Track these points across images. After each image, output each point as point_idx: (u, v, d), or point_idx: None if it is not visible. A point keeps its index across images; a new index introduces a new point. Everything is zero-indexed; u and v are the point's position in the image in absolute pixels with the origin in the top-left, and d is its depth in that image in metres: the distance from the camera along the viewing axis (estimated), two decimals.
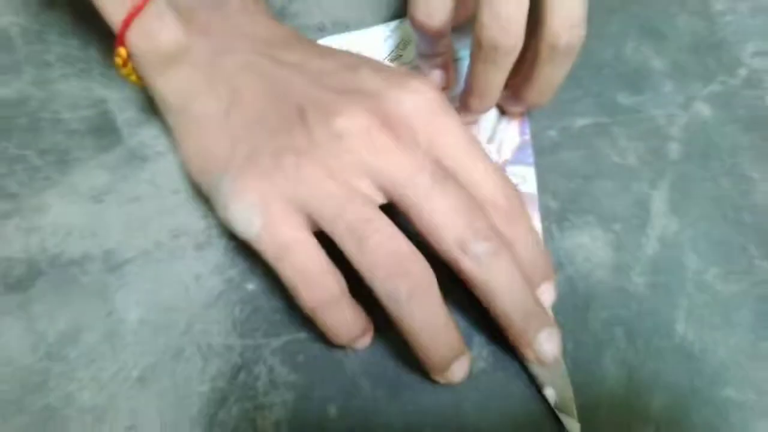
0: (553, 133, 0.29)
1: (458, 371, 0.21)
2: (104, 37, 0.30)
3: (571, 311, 0.24)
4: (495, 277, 0.20)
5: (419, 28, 0.24)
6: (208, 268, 0.24)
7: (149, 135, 0.27)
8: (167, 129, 0.25)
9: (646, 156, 0.29)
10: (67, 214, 0.25)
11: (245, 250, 0.25)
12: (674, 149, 0.29)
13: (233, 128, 0.22)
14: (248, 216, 0.20)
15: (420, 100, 0.21)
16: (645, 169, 0.28)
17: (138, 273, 0.24)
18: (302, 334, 0.23)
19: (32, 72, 0.28)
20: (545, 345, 0.21)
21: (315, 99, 0.21)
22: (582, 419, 0.22)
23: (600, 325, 0.24)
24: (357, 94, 0.21)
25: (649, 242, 0.26)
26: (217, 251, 0.24)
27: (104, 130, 0.27)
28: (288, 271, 0.20)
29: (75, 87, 0.28)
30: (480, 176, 0.22)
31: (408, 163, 0.20)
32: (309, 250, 0.20)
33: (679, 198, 0.28)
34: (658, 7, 0.35)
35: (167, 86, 0.23)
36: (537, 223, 0.26)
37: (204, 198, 0.24)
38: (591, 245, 0.26)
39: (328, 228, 0.20)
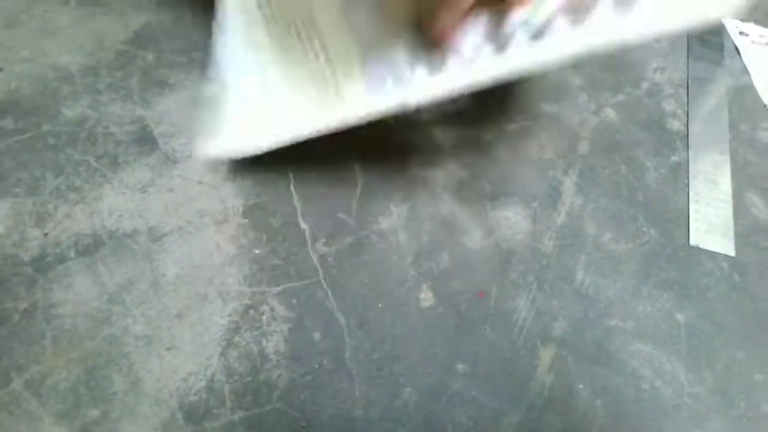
0: (489, 136, 0.38)
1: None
2: (142, 71, 0.39)
3: (497, 266, 0.32)
4: None
5: None
6: (225, 239, 0.32)
7: (178, 143, 0.36)
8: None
9: (561, 150, 0.37)
10: (120, 201, 0.33)
11: (252, 225, 0.33)
12: (584, 145, 0.37)
13: None
14: None
15: None
16: (559, 161, 0.37)
17: (174, 242, 0.32)
18: (295, 283, 0.31)
19: (88, 98, 0.37)
20: None
21: None
22: (496, 340, 0.30)
23: (517, 275, 0.32)
24: None
25: (559, 216, 0.35)
26: (231, 226, 0.33)
27: (144, 140, 0.36)
28: None
29: (120, 108, 0.37)
30: None
31: None
32: None
33: (585, 182, 0.36)
34: None
35: None
36: None
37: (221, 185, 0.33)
38: (514, 218, 0.34)
39: None
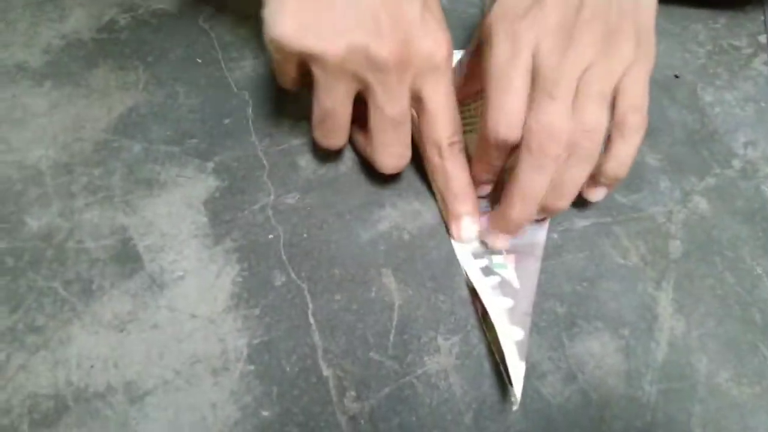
0: (555, 235, 0.30)
1: (467, 227, 0.29)
2: (126, 166, 0.32)
3: (588, 424, 0.24)
4: (452, 166, 0.29)
5: (502, 142, 0.27)
6: (224, 396, 0.25)
7: (168, 260, 0.28)
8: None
9: (648, 255, 0.29)
10: (91, 344, 0.26)
11: (259, 374, 0.25)
12: (676, 247, 0.30)
13: None
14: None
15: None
16: (648, 269, 0.29)
17: (158, 404, 0.24)
18: None
19: (59, 203, 0.30)
20: (468, 226, 0.29)
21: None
22: None
23: None
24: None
25: (659, 347, 0.27)
26: (232, 377, 0.25)
27: (126, 258, 0.29)
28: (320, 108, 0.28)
29: (98, 216, 0.30)
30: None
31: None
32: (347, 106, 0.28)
33: (684, 297, 0.28)
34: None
35: None
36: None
37: (219, 319, 0.25)
38: (600, 353, 0.26)
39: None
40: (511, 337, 0.26)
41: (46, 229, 0.30)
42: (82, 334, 0.26)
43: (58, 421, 0.24)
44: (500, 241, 0.29)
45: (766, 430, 0.24)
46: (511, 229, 0.28)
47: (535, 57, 0.26)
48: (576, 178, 0.26)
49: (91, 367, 0.25)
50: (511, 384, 0.24)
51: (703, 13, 0.43)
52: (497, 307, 0.26)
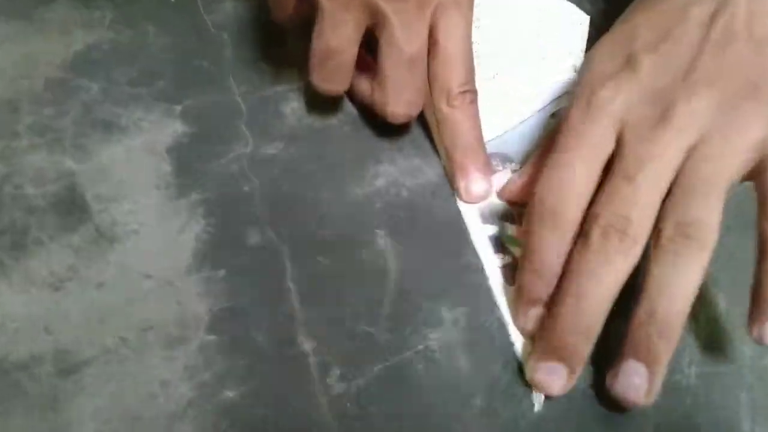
0: None
1: (477, 182, 0.25)
2: (82, 106, 0.27)
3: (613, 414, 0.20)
4: (463, 116, 0.25)
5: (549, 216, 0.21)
6: (177, 371, 0.20)
7: (121, 212, 0.24)
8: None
9: None
10: (18, 305, 0.21)
11: (223, 346, 0.21)
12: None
13: None
14: None
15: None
16: None
17: (96, 378, 0.20)
18: None
19: None
20: (477, 183, 0.25)
21: None
22: None
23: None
24: None
25: (698, 324, 0.22)
26: (189, 348, 0.21)
27: (71, 208, 0.24)
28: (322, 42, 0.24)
29: (43, 159, 0.25)
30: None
31: None
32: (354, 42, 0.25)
33: (722, 272, 0.24)
34: None
35: None
36: None
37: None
38: None
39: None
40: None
41: None
42: (8, 294, 0.22)
43: None
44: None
45: None
46: (562, 355, 0.20)
47: (620, 132, 0.21)
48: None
49: (15, 331, 0.21)
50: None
51: None
52: (507, 297, 0.22)
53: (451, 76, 0.25)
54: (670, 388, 0.21)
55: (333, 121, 0.28)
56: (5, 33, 0.30)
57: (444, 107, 0.25)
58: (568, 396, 0.20)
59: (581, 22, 0.31)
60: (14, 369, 0.20)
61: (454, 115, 0.25)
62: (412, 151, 0.27)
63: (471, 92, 0.25)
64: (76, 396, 0.20)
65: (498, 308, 0.22)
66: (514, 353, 0.21)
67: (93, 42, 0.30)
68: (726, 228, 0.25)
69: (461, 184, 0.25)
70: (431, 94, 0.25)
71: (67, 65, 0.29)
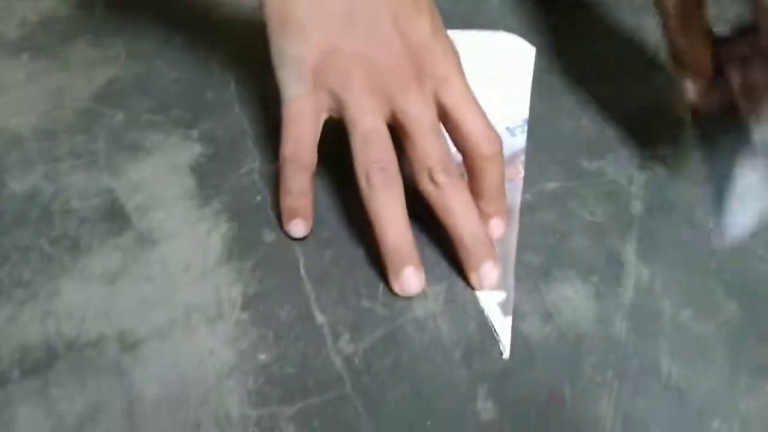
0: (528, 196, 0.32)
1: (410, 279, 0.26)
2: (110, 133, 0.32)
3: (566, 359, 0.26)
4: (453, 204, 0.26)
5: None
6: (220, 342, 0.25)
7: (157, 219, 0.29)
8: None
9: (613, 213, 0.32)
10: (81, 297, 0.26)
11: (255, 321, 0.26)
12: (637, 206, 0.32)
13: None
14: (292, 81, 0.27)
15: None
16: (613, 225, 0.31)
17: (153, 351, 0.25)
18: (315, 399, 0.24)
19: (43, 167, 0.30)
20: (488, 275, 0.27)
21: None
22: None
23: (592, 370, 0.26)
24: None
25: (626, 291, 0.29)
26: (228, 324, 0.26)
27: (114, 217, 0.29)
28: (288, 128, 0.27)
29: (83, 178, 0.30)
30: (474, 123, 0.27)
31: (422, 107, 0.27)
32: (312, 126, 0.27)
33: (647, 248, 0.30)
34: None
35: None
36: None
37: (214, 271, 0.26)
38: (575, 297, 0.28)
39: (350, 121, 0.27)
40: (492, 299, 0.28)
41: (31, 191, 0.29)
42: (71, 288, 0.26)
43: (49, 370, 0.24)
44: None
45: (723, 357, 0.27)
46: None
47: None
48: None
49: (81, 318, 0.25)
50: (500, 339, 0.26)
51: None
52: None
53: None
54: (606, 339, 0.27)
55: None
56: (34, 70, 0.35)
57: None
58: (528, 344, 0.26)
59: (528, 53, 0.37)
60: (85, 347, 0.25)
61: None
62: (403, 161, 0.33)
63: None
64: (138, 366, 0.24)
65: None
66: (485, 317, 0.27)
67: (112, 76, 0.35)
68: (647, 211, 0.31)
69: (473, 277, 0.28)
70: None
71: (92, 97, 0.34)
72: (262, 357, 0.25)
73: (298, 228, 0.28)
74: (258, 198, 0.30)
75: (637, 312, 0.28)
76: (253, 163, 0.32)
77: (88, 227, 0.28)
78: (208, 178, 0.31)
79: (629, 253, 0.30)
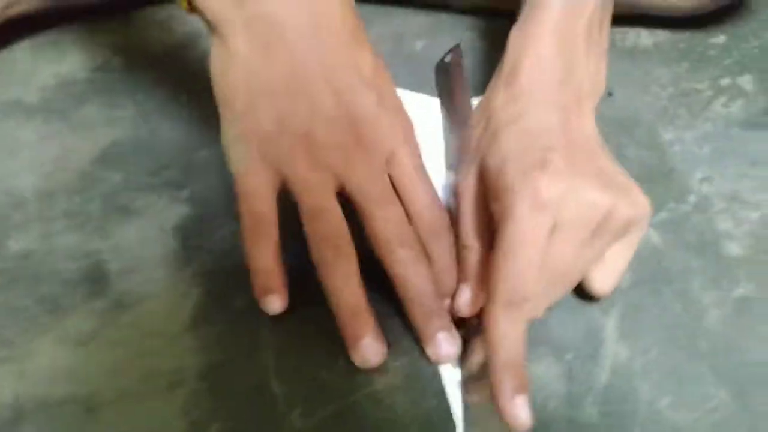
0: None
1: (369, 350, 0.26)
2: (105, 195, 0.34)
3: None
4: (410, 277, 0.26)
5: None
6: (175, 410, 0.26)
7: (135, 282, 0.30)
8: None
9: None
10: (57, 358, 0.27)
11: (211, 390, 0.26)
12: (625, 277, 0.31)
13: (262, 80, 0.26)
14: (239, 160, 0.27)
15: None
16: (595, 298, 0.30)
17: (113, 414, 0.26)
18: None
19: (39, 228, 0.32)
20: (443, 344, 0.26)
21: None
22: None
23: None
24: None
25: (602, 371, 0.27)
26: (184, 393, 0.26)
27: (96, 279, 0.30)
28: (243, 207, 0.27)
29: (73, 240, 0.32)
30: (417, 197, 0.28)
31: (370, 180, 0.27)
32: (267, 200, 0.27)
33: (630, 325, 0.29)
34: (607, 139, 0.38)
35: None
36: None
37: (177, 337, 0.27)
38: (545, 376, 0.27)
39: (297, 198, 0.27)
40: (454, 377, 0.27)
41: (25, 252, 0.31)
42: (47, 349, 0.28)
43: (16, 428, 0.25)
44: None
45: None
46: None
47: None
48: None
49: (53, 378, 0.27)
50: (456, 420, 0.26)
51: (666, 57, 0.45)
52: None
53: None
54: (573, 423, 0.25)
55: None
56: (46, 132, 0.38)
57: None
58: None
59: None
60: (52, 406, 0.26)
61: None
62: None
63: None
64: (99, 428, 0.25)
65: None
66: (444, 394, 0.27)
67: (116, 138, 0.37)
68: (635, 283, 0.30)
69: (429, 349, 0.27)
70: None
71: (94, 159, 0.36)
72: (214, 427, 0.25)
73: (273, 305, 0.27)
74: (236, 260, 0.31)
75: (611, 395, 0.26)
76: (233, 224, 0.32)
77: (71, 289, 0.30)
78: (190, 239, 0.32)
79: (610, 329, 0.29)
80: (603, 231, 0.25)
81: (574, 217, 0.24)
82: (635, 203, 0.26)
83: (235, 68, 0.26)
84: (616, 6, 0.36)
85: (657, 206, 0.34)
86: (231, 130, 0.27)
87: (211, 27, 0.26)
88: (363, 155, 0.26)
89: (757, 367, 0.28)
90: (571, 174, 0.24)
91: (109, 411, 0.26)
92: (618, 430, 0.25)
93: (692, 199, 0.35)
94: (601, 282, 0.28)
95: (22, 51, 0.43)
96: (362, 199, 0.27)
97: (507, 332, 0.23)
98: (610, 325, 0.29)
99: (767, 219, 0.34)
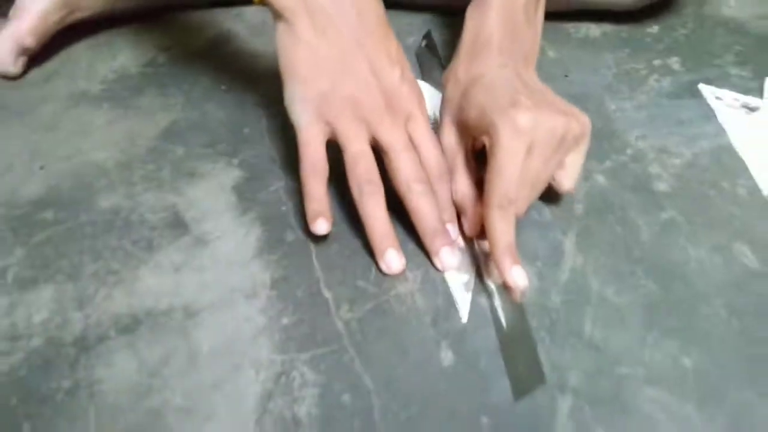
0: None
1: (393, 259, 0.35)
2: (172, 163, 0.42)
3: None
4: (422, 206, 0.36)
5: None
6: (255, 311, 0.35)
7: (208, 226, 0.39)
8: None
9: (557, 213, 0.40)
10: (155, 281, 0.36)
11: (280, 297, 0.35)
12: (579, 208, 0.41)
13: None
14: (301, 115, 0.36)
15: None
16: (557, 222, 0.40)
17: (208, 318, 0.34)
18: (322, 350, 0.33)
19: (123, 189, 0.41)
20: (446, 256, 0.36)
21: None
22: (516, 390, 0.31)
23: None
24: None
25: (563, 273, 0.37)
26: (260, 300, 0.35)
27: (177, 225, 0.39)
28: (303, 150, 0.36)
29: (153, 197, 0.40)
30: (427, 148, 0.38)
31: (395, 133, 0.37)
32: (320, 147, 0.36)
33: (584, 241, 0.39)
34: None
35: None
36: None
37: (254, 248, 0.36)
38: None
39: (342, 145, 0.36)
40: (458, 280, 0.36)
41: (115, 208, 0.40)
42: (148, 275, 0.36)
43: (135, 330, 0.34)
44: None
45: (637, 323, 0.34)
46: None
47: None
48: None
49: (156, 295, 0.35)
50: (459, 308, 0.35)
51: (611, 44, 0.55)
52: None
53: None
54: (543, 307, 0.35)
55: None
56: (113, 116, 0.46)
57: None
58: (482, 311, 0.35)
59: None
60: (160, 315, 0.34)
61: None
62: None
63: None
64: (197, 328, 0.34)
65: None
66: (449, 293, 0.36)
67: (173, 119, 0.46)
68: (586, 212, 0.40)
69: (436, 261, 0.37)
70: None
71: (158, 136, 0.45)
72: (285, 321, 0.34)
73: (322, 226, 0.36)
74: (283, 208, 0.40)
75: (569, 288, 0.36)
76: (279, 182, 0.42)
77: (158, 232, 0.38)
78: (245, 194, 0.41)
79: (568, 244, 0.39)
80: (563, 145, 0.35)
81: (543, 138, 0.34)
82: (582, 122, 0.36)
83: (301, 46, 0.35)
84: (571, 3, 0.46)
85: (603, 157, 0.44)
86: (296, 93, 0.36)
87: (278, 15, 0.35)
88: (390, 115, 0.36)
89: (675, 266, 0.38)
90: (535, 108, 0.34)
91: (204, 316, 0.34)
92: (575, 311, 0.35)
93: (630, 151, 0.45)
94: (567, 181, 0.38)
95: (81, 51, 0.51)
96: (388, 147, 0.36)
97: (501, 226, 0.33)
98: (569, 241, 0.39)
99: (687, 164, 0.44)
